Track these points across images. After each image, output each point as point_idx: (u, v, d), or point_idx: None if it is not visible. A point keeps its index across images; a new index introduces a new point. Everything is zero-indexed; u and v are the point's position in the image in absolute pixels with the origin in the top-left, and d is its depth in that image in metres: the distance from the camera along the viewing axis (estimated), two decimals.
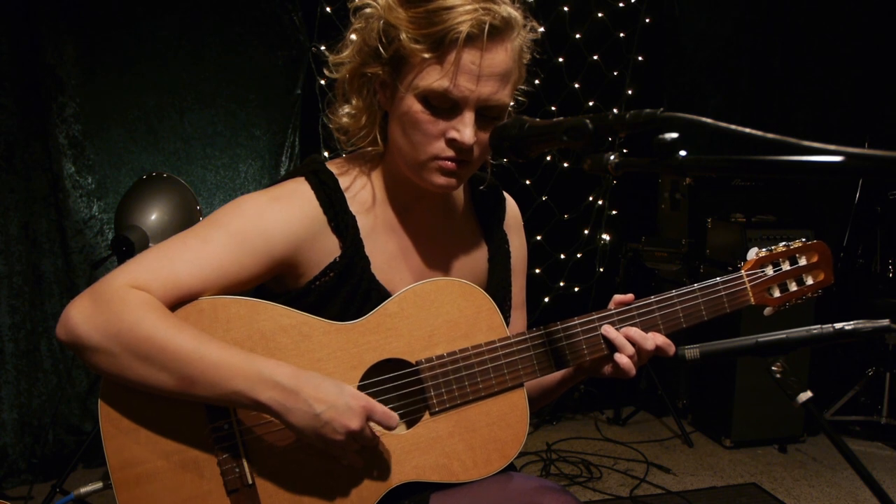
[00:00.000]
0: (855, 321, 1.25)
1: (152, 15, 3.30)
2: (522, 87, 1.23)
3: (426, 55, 1.10)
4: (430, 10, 1.09)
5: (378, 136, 1.23)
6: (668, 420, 3.86)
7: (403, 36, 1.10)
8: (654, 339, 1.25)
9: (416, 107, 1.13)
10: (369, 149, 1.24)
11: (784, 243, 1.34)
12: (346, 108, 1.23)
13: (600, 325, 1.26)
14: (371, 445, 1.15)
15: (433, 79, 1.11)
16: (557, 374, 1.33)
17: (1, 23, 3.07)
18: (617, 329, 1.25)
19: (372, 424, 1.13)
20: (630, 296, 1.29)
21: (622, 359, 1.23)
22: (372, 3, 1.15)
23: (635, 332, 1.25)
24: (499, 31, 1.11)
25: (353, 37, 1.20)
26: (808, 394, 1.24)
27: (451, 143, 1.14)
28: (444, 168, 1.17)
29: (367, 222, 1.25)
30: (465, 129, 1.13)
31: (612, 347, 1.25)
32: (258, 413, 1.14)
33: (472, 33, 1.08)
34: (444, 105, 1.13)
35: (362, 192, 1.26)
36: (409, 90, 1.13)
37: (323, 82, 1.24)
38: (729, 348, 1.29)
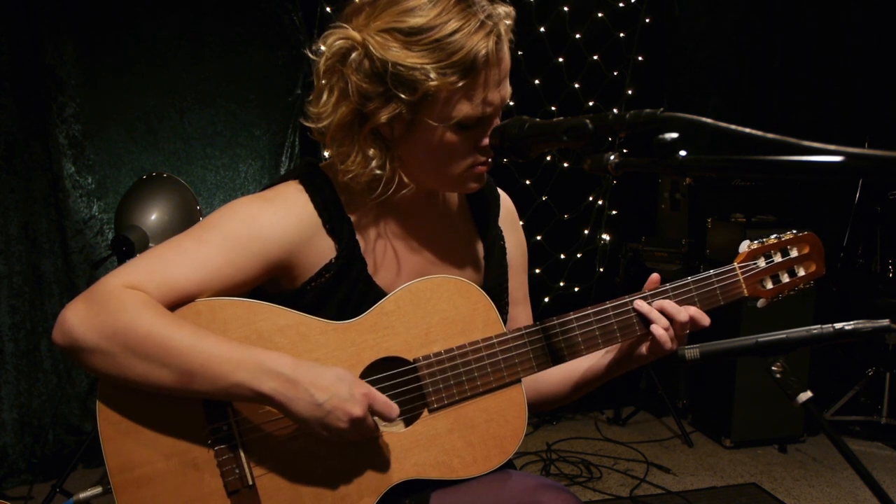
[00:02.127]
0: (855, 321, 1.25)
1: (152, 15, 3.30)
2: None
3: (459, 84, 1.09)
4: (439, 39, 1.06)
5: (403, 177, 1.19)
6: (668, 420, 3.86)
7: (433, 74, 1.06)
8: (687, 310, 1.24)
9: (451, 136, 1.14)
10: (405, 191, 1.19)
11: (775, 235, 1.34)
12: (373, 161, 1.15)
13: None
14: (374, 435, 1.15)
15: (468, 106, 1.11)
16: (592, 370, 1.35)
17: (1, 23, 3.07)
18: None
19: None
20: (655, 276, 1.29)
21: (658, 330, 1.23)
22: (353, 44, 1.09)
23: (668, 303, 1.25)
24: (507, 32, 1.13)
25: (333, 81, 1.13)
26: (808, 394, 1.24)
27: (485, 149, 1.18)
28: (477, 174, 1.21)
29: (363, 223, 1.25)
30: None
31: (646, 322, 1.24)
32: (257, 413, 1.14)
33: (499, 46, 1.10)
34: (476, 123, 1.15)
35: (357, 193, 1.25)
36: (440, 122, 1.12)
37: (324, 82, 1.19)
38: (729, 348, 1.29)
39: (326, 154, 1.26)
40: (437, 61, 1.07)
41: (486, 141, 1.16)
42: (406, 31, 1.07)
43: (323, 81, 1.14)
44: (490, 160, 1.21)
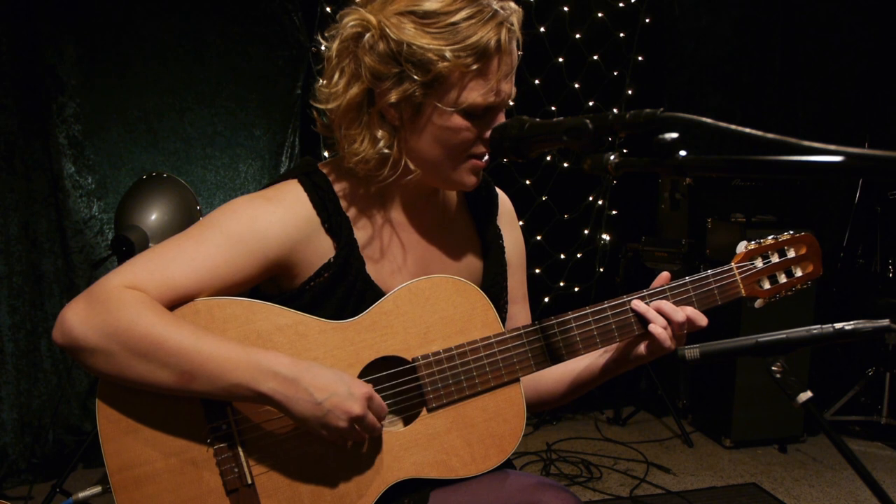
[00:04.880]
0: (855, 321, 1.24)
1: (152, 15, 3.30)
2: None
3: (473, 67, 1.11)
4: (454, 23, 1.09)
5: (409, 162, 1.20)
6: (668, 420, 3.86)
7: (448, 54, 1.09)
8: (683, 311, 1.25)
9: (460, 121, 1.15)
10: (410, 176, 1.19)
11: (773, 236, 1.35)
12: (381, 142, 1.17)
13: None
14: (376, 433, 1.15)
15: (479, 92, 1.13)
16: (589, 370, 1.34)
17: (1, 23, 3.07)
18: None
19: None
20: (665, 274, 1.30)
21: (656, 329, 1.23)
22: (368, 25, 1.12)
23: (665, 304, 1.25)
24: (517, 28, 1.15)
25: (345, 63, 1.15)
26: (808, 394, 1.23)
27: (487, 142, 1.18)
28: (476, 168, 1.22)
29: (361, 222, 1.26)
30: None
31: (644, 321, 1.25)
32: (257, 412, 1.15)
33: (511, 37, 1.12)
34: (483, 112, 1.16)
35: (355, 192, 1.26)
36: (450, 105, 1.13)
37: (336, 63, 1.20)
38: (729, 348, 1.29)
39: (326, 154, 1.27)
40: (452, 44, 1.09)
41: (488, 133, 1.17)
42: (421, 14, 1.10)
43: (335, 63, 1.16)
44: (487, 156, 1.21)
